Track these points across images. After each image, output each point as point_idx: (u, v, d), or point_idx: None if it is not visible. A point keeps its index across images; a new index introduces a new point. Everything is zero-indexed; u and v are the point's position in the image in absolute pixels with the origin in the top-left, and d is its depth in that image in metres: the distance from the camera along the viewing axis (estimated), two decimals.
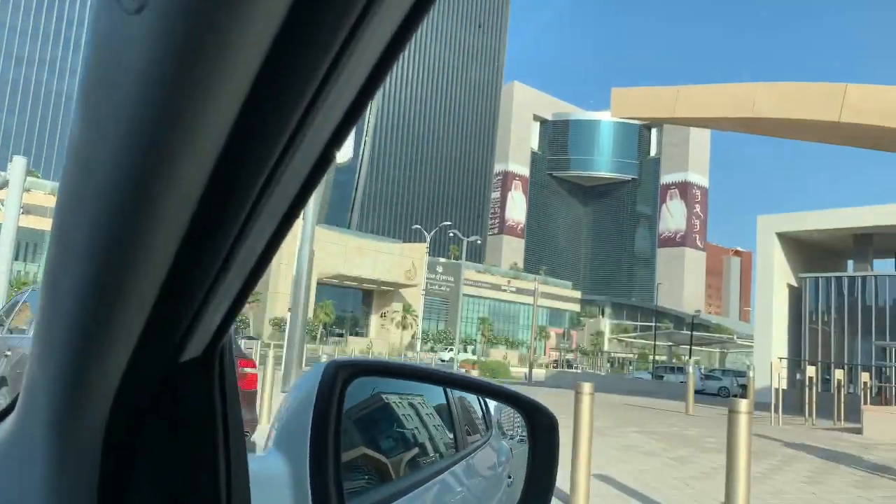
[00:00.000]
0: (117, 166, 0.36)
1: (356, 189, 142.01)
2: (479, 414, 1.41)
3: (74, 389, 0.45)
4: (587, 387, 5.82)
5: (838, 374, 17.11)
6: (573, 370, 57.75)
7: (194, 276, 0.43)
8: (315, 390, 0.78)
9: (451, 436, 1.27)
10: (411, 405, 1.21)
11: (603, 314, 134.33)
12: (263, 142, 0.38)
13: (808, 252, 29.01)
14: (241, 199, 0.40)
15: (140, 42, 0.33)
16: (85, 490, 0.47)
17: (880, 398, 18.90)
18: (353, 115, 0.40)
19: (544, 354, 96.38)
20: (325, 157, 0.42)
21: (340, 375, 0.81)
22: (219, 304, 0.46)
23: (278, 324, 69.07)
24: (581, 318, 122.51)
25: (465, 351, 77.56)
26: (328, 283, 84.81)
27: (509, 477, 1.24)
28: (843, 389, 16.76)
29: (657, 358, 61.92)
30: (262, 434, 6.54)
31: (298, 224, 9.18)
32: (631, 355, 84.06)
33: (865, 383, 17.33)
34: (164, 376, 0.48)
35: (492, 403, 1.40)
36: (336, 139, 0.41)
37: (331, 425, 0.76)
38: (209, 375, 0.51)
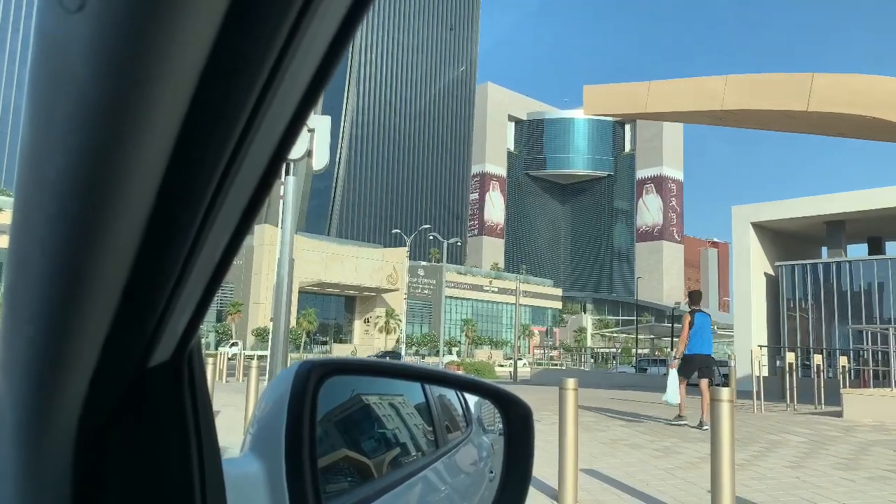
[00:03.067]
0: (68, 169, 0.36)
1: (334, 196, 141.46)
2: (460, 411, 1.42)
3: (40, 399, 0.44)
4: (571, 382, 5.87)
5: (817, 359, 17.36)
6: (557, 366, 58.03)
7: (156, 278, 0.42)
8: (289, 391, 0.78)
9: (433, 434, 1.28)
10: (391, 405, 1.22)
11: (584, 310, 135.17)
12: (215, 138, 0.37)
13: (783, 240, 29.42)
14: (197, 197, 0.39)
15: (82, 41, 0.32)
16: (56, 499, 0.46)
17: (859, 381, 19.22)
18: (304, 108, 0.40)
19: (528, 353, 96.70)
20: (281, 151, 0.41)
21: (314, 375, 0.81)
22: (184, 307, 0.46)
23: (261, 334, 68.62)
24: (563, 315, 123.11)
25: (450, 353, 77.51)
26: (310, 290, 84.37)
27: (491, 472, 1.25)
28: (822, 374, 17.01)
29: (640, 351, 62.40)
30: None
31: (277, 232, 9.13)
32: (614, 350, 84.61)
33: (844, 367, 17.60)
34: (133, 382, 0.47)
35: (471, 400, 1.41)
36: (290, 133, 0.41)
37: (305, 425, 0.76)
38: (179, 379, 0.50)
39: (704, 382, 10.65)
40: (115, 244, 0.39)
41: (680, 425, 10.78)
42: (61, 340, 0.42)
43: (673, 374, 10.77)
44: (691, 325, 10.88)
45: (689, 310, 11.25)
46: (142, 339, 0.45)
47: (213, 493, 0.51)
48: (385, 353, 62.53)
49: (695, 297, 11.51)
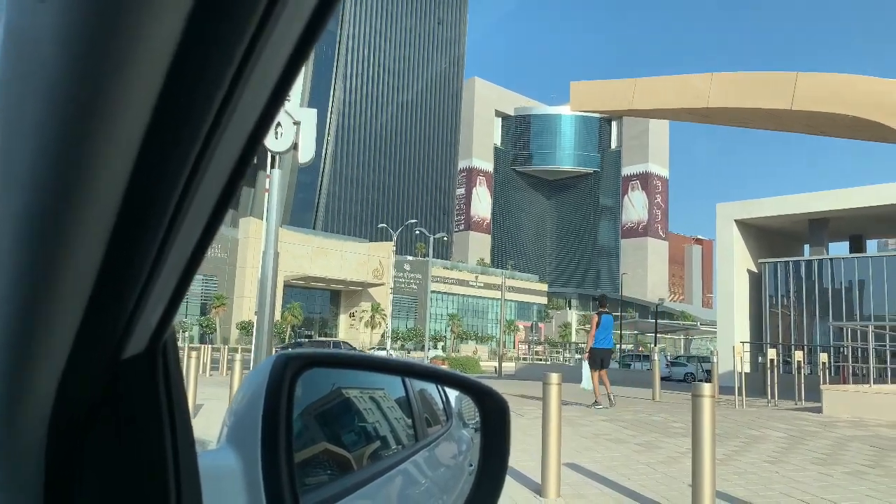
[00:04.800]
0: (38, 160, 0.36)
1: (320, 189, 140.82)
2: (440, 405, 1.42)
3: (12, 392, 0.44)
4: (555, 377, 5.90)
5: (798, 356, 17.57)
6: (542, 362, 58.18)
7: (128, 270, 0.41)
8: (265, 383, 0.78)
9: (412, 427, 1.28)
10: (372, 399, 1.22)
11: (570, 306, 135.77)
12: (188, 125, 0.37)
13: (767, 238, 29.69)
14: (169, 185, 0.39)
15: (50, 30, 0.32)
16: (29, 495, 0.46)
17: (839, 377, 19.48)
18: (277, 98, 0.40)
19: (514, 348, 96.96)
20: (255, 137, 0.41)
21: (290, 367, 0.81)
22: (158, 298, 0.45)
23: (245, 328, 68.27)
24: (548, 311, 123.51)
25: (436, 347, 77.57)
26: (295, 284, 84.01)
27: (471, 465, 1.26)
28: (803, 370, 17.21)
29: (624, 347, 62.76)
30: None
31: (262, 225, 9.08)
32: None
33: (824, 363, 17.82)
34: (107, 374, 0.47)
35: (452, 394, 1.41)
36: (265, 117, 0.40)
37: (282, 417, 0.77)
38: (153, 371, 0.50)
39: (604, 372, 12.92)
40: (87, 233, 0.38)
41: (595, 407, 12.69)
42: (33, 333, 0.41)
43: (586, 366, 12.98)
44: (598, 324, 12.87)
45: (597, 311, 13.26)
46: (115, 330, 0.44)
47: (188, 484, 0.51)
48: (297, 343, 62.54)
49: (602, 300, 13.71)
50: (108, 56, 0.32)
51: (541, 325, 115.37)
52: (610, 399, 12.93)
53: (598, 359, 12.90)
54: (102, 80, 0.33)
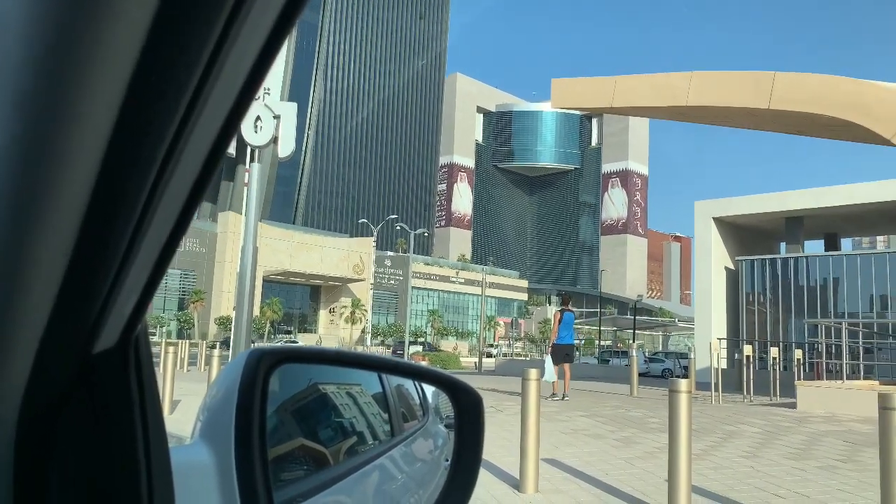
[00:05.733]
0: (5, 153, 0.35)
1: (300, 184, 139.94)
2: (417, 400, 1.43)
3: None
4: (533, 373, 5.93)
5: (773, 352, 17.80)
6: (522, 358, 58.50)
7: (100, 260, 0.41)
8: (239, 379, 0.78)
9: (388, 423, 1.28)
10: (349, 394, 1.22)
11: (550, 302, 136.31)
12: (157, 116, 0.36)
13: (744, 235, 30.03)
14: (137, 183, 0.38)
15: (16, 23, 0.32)
16: None
17: (813, 373, 19.78)
18: (251, 86, 0.39)
19: (494, 342, 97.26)
20: (227, 130, 0.41)
21: (264, 363, 0.81)
22: (129, 292, 0.45)
23: (224, 323, 67.77)
24: (529, 307, 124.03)
25: (416, 343, 77.58)
26: (275, 279, 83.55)
27: (446, 460, 1.26)
28: (778, 366, 17.45)
29: (602, 343, 63.19)
30: None
31: (240, 220, 9.02)
32: (578, 341, 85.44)
33: (798, 360, 18.08)
34: (78, 369, 0.46)
35: (429, 390, 1.42)
36: (237, 111, 0.40)
37: (255, 412, 0.76)
38: (125, 366, 0.49)
39: (567, 366, 13.64)
40: (57, 221, 0.38)
41: (554, 399, 13.27)
42: (2, 327, 0.41)
43: (548, 359, 13.58)
44: (560, 321, 13.66)
45: (560, 309, 14.12)
46: (86, 322, 0.44)
47: (160, 478, 0.51)
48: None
49: (565, 299, 14.77)
50: (77, 47, 0.32)
51: (521, 321, 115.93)
52: (564, 394, 13.58)
53: (562, 354, 13.56)
54: (71, 70, 0.32)
